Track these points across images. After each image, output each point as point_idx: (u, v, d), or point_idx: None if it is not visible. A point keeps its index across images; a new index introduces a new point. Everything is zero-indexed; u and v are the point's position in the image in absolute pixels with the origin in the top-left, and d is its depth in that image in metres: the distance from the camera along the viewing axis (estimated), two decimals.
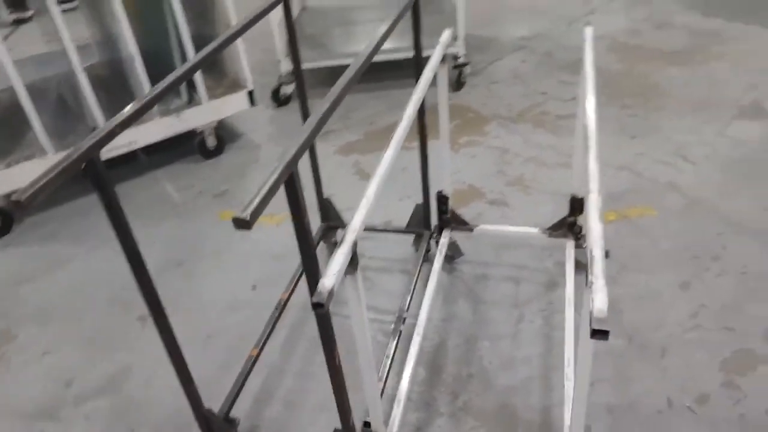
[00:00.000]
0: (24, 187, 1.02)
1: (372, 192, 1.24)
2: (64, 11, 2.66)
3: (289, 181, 1.05)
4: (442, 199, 2.19)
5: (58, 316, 2.35)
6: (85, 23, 3.64)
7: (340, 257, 1.08)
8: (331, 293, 1.02)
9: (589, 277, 1.00)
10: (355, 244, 1.12)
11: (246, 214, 0.91)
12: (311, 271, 1.18)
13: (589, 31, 1.88)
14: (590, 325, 0.90)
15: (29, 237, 2.81)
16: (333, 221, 2.38)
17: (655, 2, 4.58)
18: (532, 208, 2.59)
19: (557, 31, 4.28)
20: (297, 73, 2.03)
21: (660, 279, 2.16)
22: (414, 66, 1.94)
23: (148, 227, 2.75)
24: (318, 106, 1.18)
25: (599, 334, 0.89)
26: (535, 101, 3.40)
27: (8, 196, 2.81)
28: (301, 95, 2.06)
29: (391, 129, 3.26)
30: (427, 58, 1.79)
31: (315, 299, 1.00)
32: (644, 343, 1.94)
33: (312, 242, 1.18)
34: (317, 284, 1.22)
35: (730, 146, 2.87)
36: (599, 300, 0.93)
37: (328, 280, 1.03)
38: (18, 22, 5.58)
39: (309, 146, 1.10)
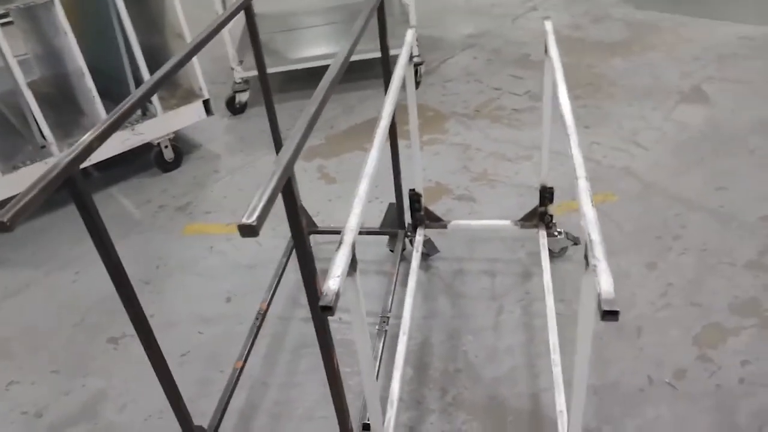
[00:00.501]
0: (6, 207, 0.96)
1: (363, 191, 1.23)
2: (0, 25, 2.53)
3: (287, 186, 1.03)
4: (415, 197, 2.20)
5: (20, 346, 2.23)
6: (22, 38, 3.47)
7: (342, 258, 1.07)
8: (337, 296, 1.00)
9: (590, 260, 1.02)
10: (353, 245, 1.11)
11: (252, 220, 0.89)
12: (309, 276, 1.16)
13: (549, 24, 1.93)
14: (599, 307, 0.92)
15: None
16: (307, 227, 2.35)
17: None
18: (499, 201, 2.64)
19: (503, 28, 4.37)
20: (262, 80, 2.00)
21: (628, 261, 2.23)
22: (382, 66, 1.94)
23: None
24: (306, 109, 1.16)
25: (609, 315, 0.91)
26: (490, 97, 3.47)
27: None
28: (268, 101, 2.03)
29: (350, 132, 3.29)
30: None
31: (323, 302, 0.98)
32: (620, 324, 2.00)
33: (309, 248, 1.16)
34: (315, 290, 1.21)
35: (677, 130, 3.00)
36: (605, 281, 0.95)
37: (333, 282, 1.02)
38: None
39: (301, 149, 1.09)
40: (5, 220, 0.94)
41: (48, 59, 3.22)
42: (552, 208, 2.20)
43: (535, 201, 2.21)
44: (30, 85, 2.65)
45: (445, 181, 2.79)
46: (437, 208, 2.56)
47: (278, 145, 2.17)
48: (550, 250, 2.19)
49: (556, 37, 1.87)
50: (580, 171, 1.22)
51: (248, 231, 0.89)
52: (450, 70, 3.84)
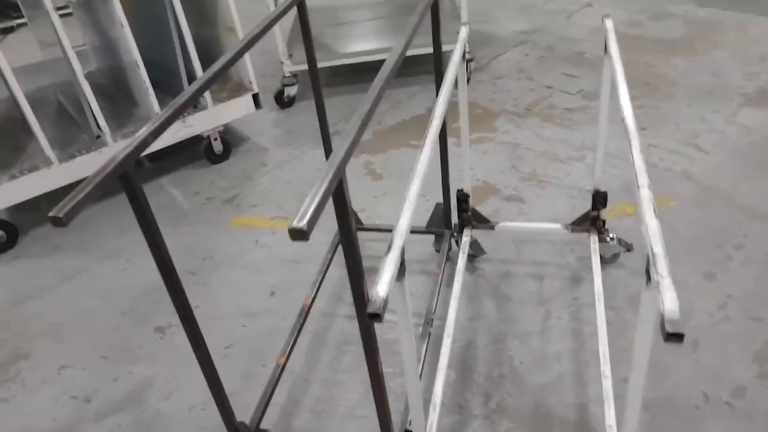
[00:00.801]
0: (62, 203, 0.97)
1: (414, 193, 1.20)
2: (60, 17, 2.59)
3: (338, 189, 1.01)
4: (463, 197, 2.16)
5: (72, 331, 2.29)
6: (80, 29, 3.57)
7: (391, 264, 1.04)
8: (385, 303, 0.98)
9: (653, 276, 0.97)
10: (403, 250, 1.09)
11: (303, 224, 0.87)
12: (358, 281, 1.14)
13: (609, 23, 1.86)
14: (663, 328, 0.87)
15: (34, 250, 2.75)
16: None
17: None
18: (549, 202, 2.57)
19: (556, 25, 4.26)
20: (313, 76, 1.99)
21: (685, 269, 2.14)
22: (434, 64, 1.90)
23: None
24: (359, 107, 1.14)
25: (674, 337, 0.86)
26: (542, 95, 3.38)
27: (15, 207, 2.75)
28: (318, 97, 2.02)
29: (397, 128, 3.26)
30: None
31: (371, 309, 0.96)
32: None
33: (359, 252, 1.14)
34: (362, 293, 1.19)
35: (741, 134, 2.86)
36: (670, 300, 0.89)
37: (382, 288, 0.99)
38: (4, 32, 5.48)
39: (354, 149, 1.07)
40: (61, 215, 0.95)
41: (104, 51, 3.29)
42: (604, 213, 2.12)
43: (586, 203, 2.14)
44: (87, 76, 2.72)
45: (493, 180, 2.73)
46: (485, 209, 2.52)
47: (326, 141, 2.16)
48: (601, 255, 2.12)
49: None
50: (642, 179, 1.16)
51: (298, 235, 0.88)
52: (501, 66, 3.76)
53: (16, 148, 2.87)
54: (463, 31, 1.88)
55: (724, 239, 2.26)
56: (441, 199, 2.20)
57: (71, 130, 2.99)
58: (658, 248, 0.99)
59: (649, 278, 1.01)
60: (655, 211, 1.09)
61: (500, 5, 4.77)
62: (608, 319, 1.91)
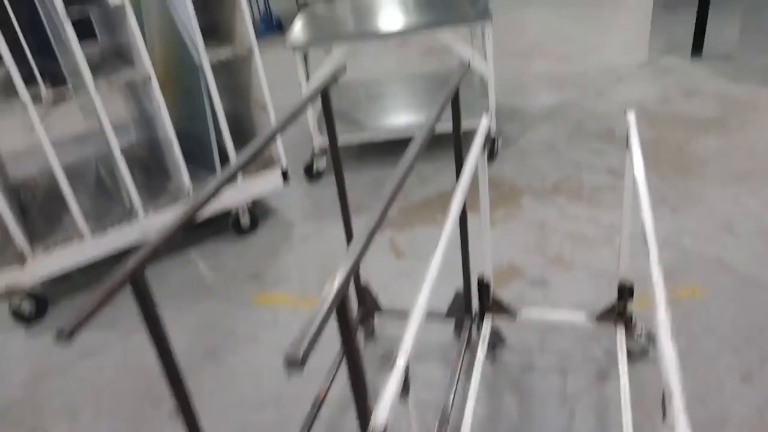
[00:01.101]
0: (70, 317, 0.98)
1: (423, 302, 1.18)
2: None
3: (341, 310, 0.99)
4: (484, 284, 2.12)
5: (88, 411, 2.28)
6: (122, 100, 3.74)
7: (393, 384, 1.01)
8: (385, 430, 0.95)
9: (668, 413, 0.91)
10: (407, 369, 1.06)
11: (297, 356, 0.85)
12: (361, 402, 1.11)
13: (632, 116, 1.84)
14: None
15: (60, 323, 2.78)
16: (370, 306, 2.31)
17: (682, 70, 4.55)
18: (576, 287, 2.50)
19: (586, 100, 4.26)
20: (335, 158, 2.02)
21: (719, 370, 2.03)
22: (454, 154, 1.91)
23: (180, 312, 2.71)
24: (372, 210, 1.13)
25: None
26: (570, 172, 3.35)
27: (49, 282, 2.81)
28: (339, 178, 2.04)
29: (424, 204, 3.27)
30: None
31: None
32: None
33: (363, 373, 1.11)
34: (366, 415, 1.16)
35: None
36: None
37: (382, 412, 0.96)
38: (57, 100, 5.76)
39: (360, 262, 1.06)
40: (67, 331, 0.95)
41: (144, 123, 3.43)
42: (631, 305, 2.04)
43: (614, 289, 2.07)
44: (127, 148, 2.82)
45: (517, 262, 2.68)
46: (508, 292, 2.47)
47: (347, 222, 2.15)
48: (628, 350, 2.03)
49: (641, 111, 1.78)
50: (660, 294, 1.11)
51: (294, 364, 0.86)
52: (528, 142, 3.76)
53: (53, 220, 2.96)
54: (484, 120, 1.88)
55: (762, 335, 2.15)
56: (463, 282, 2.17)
57: (106, 202, 3.08)
58: (674, 384, 0.94)
59: (664, 414, 0.95)
60: (673, 339, 1.03)
61: (530, 78, 4.82)
62: (636, 422, 1.81)
